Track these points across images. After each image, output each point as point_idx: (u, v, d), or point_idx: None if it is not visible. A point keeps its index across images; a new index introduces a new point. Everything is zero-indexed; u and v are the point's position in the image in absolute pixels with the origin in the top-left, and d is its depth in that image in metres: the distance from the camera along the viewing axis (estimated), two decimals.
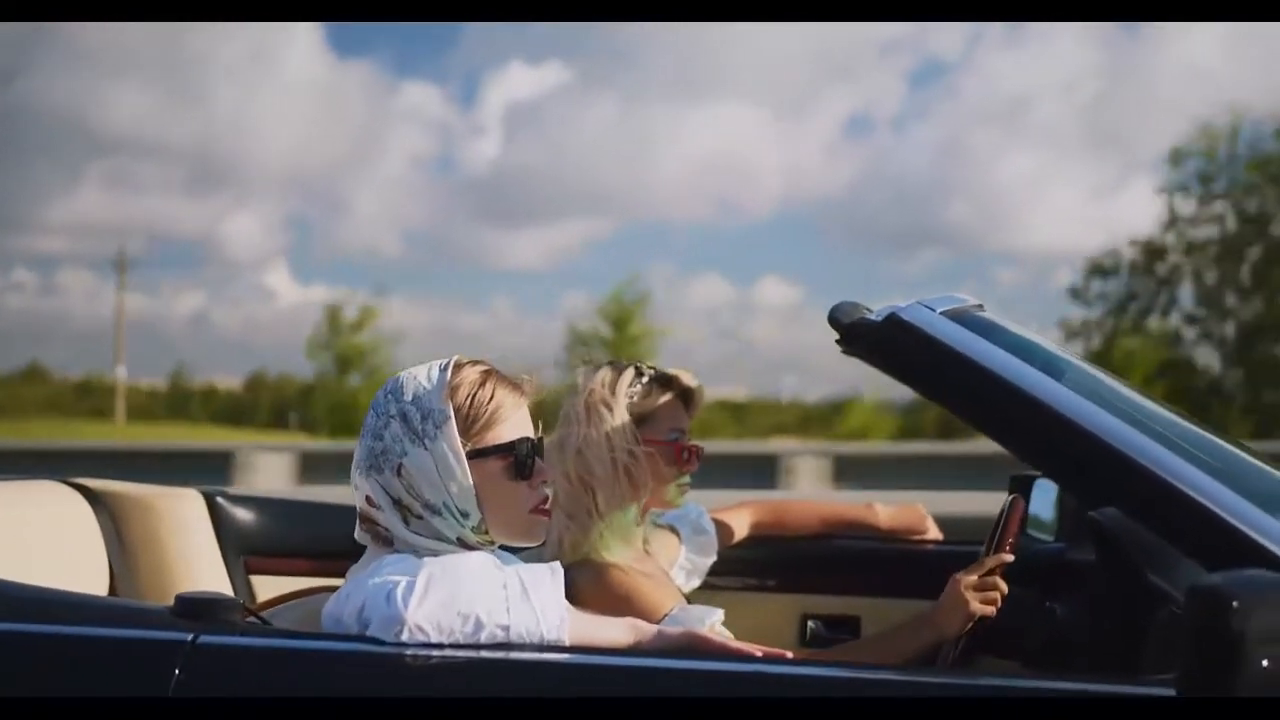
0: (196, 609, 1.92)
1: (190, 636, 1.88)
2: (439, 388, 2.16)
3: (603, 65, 40.32)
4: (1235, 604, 1.59)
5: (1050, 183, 40.80)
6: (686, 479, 2.76)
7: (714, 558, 3.01)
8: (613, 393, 2.67)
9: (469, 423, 2.15)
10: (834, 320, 2.07)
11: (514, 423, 2.18)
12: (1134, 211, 41.12)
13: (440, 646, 1.91)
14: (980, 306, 2.35)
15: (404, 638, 1.91)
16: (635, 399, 2.68)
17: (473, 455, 2.13)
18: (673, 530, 2.97)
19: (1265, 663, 1.60)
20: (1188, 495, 1.88)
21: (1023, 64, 39.50)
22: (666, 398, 2.71)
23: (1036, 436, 1.99)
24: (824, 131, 40.87)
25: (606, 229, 45.28)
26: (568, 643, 1.99)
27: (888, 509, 3.16)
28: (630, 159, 39.89)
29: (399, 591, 1.94)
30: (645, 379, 2.71)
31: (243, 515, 2.97)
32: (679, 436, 2.72)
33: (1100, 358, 27.65)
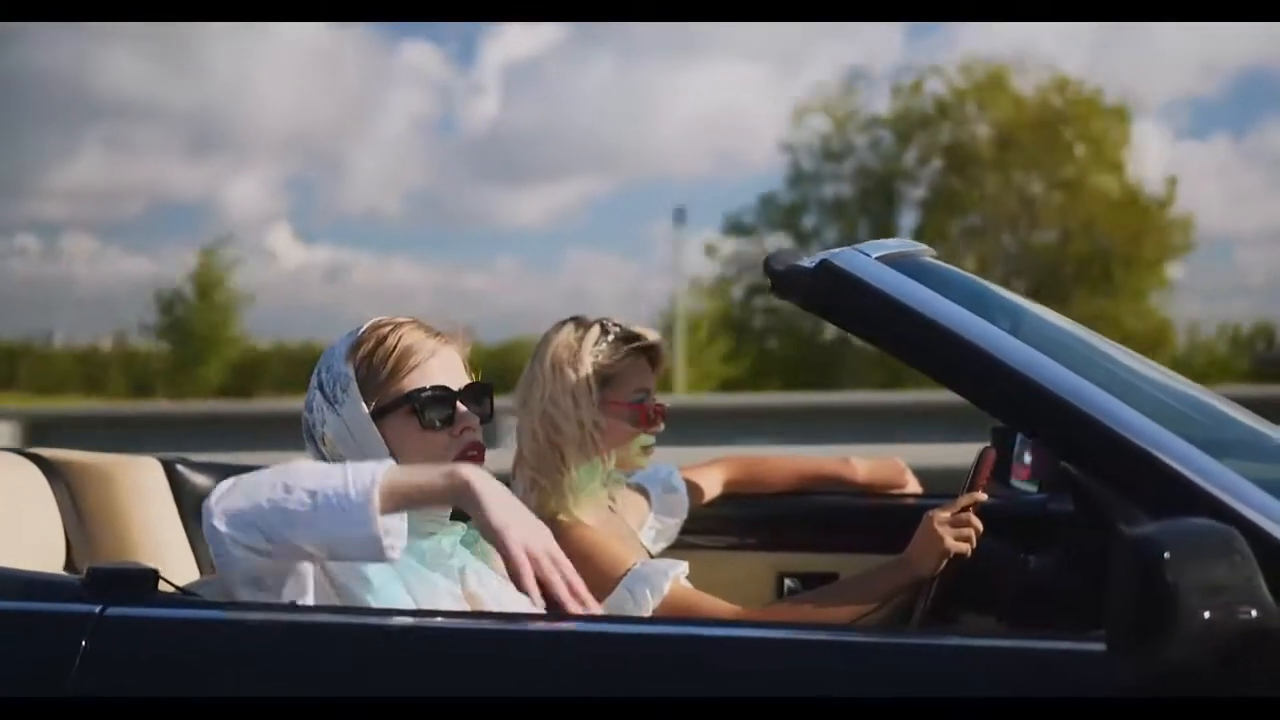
0: (107, 579, 1.87)
1: (99, 608, 1.83)
2: (344, 351, 2.10)
3: (597, 23, 40.13)
4: (1167, 555, 1.50)
5: None
6: (651, 440, 2.69)
7: (684, 517, 2.94)
8: (577, 351, 2.60)
9: (372, 379, 2.09)
10: (768, 268, 1.99)
11: (426, 371, 2.10)
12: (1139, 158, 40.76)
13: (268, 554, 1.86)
14: (930, 252, 2.28)
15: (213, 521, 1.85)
16: (600, 358, 2.61)
17: (378, 414, 2.07)
18: (641, 490, 2.91)
19: (1207, 614, 1.51)
20: (1131, 442, 1.79)
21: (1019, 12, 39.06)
22: (631, 356, 2.64)
23: (981, 384, 1.91)
24: (821, 85, 40.64)
25: (608, 186, 45.10)
26: (378, 495, 1.82)
27: (865, 462, 3.09)
28: (630, 116, 39.74)
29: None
30: (610, 337, 2.64)
31: (204, 482, 2.91)
32: (644, 397, 2.65)
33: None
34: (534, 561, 1.84)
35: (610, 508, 2.72)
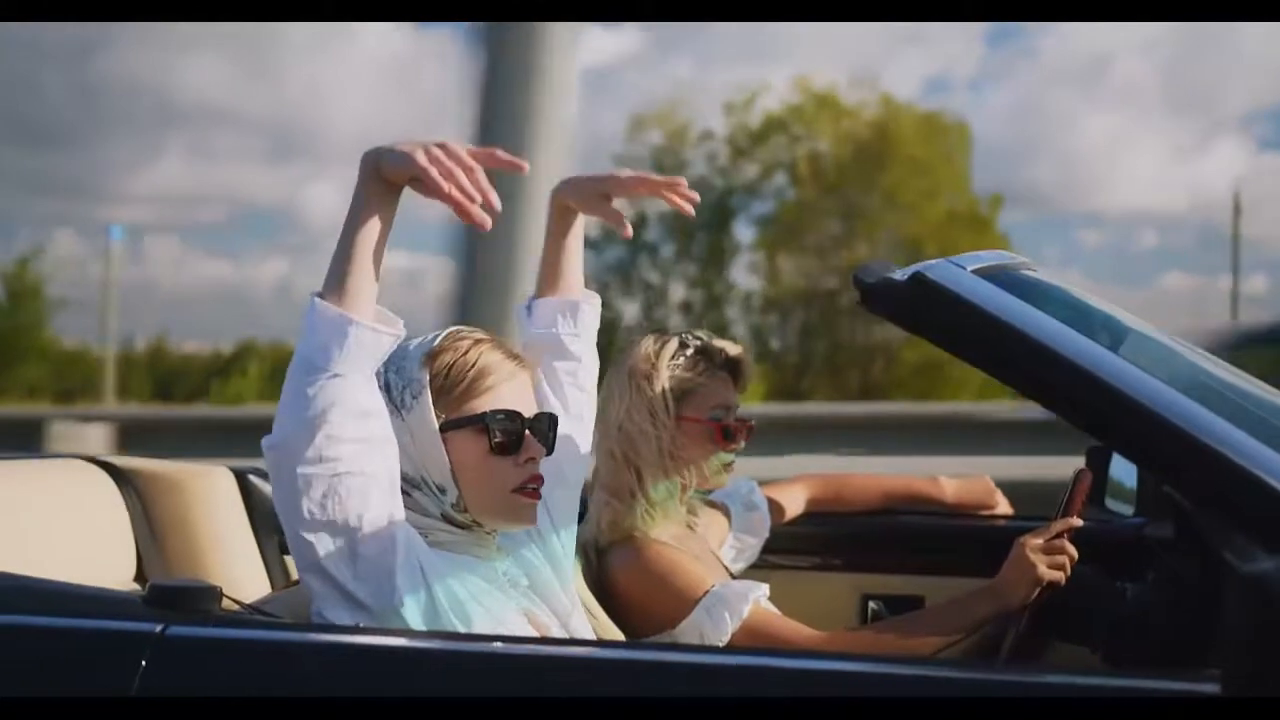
0: (168, 597, 1.81)
1: (159, 627, 1.77)
2: (420, 355, 2.04)
3: (677, 28, 40.02)
4: None
5: (1131, 142, 39.81)
6: (731, 457, 2.60)
7: (766, 536, 2.85)
8: (654, 365, 2.52)
9: (446, 392, 2.02)
10: (857, 280, 1.90)
11: (500, 394, 2.05)
12: (1217, 171, 39.91)
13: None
14: (1029, 264, 2.17)
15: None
16: (678, 372, 2.53)
17: (446, 427, 2.00)
18: (722, 508, 2.83)
19: None
20: (1244, 468, 1.68)
21: (1100, 22, 38.62)
22: (711, 371, 2.56)
23: (1081, 404, 1.81)
24: (901, 93, 40.34)
25: None
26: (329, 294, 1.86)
27: (953, 482, 2.99)
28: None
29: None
30: (689, 350, 2.55)
31: None
32: (722, 414, 2.56)
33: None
34: (435, 164, 1.84)
35: (690, 526, 2.64)
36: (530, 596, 2.12)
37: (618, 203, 2.29)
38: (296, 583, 2.24)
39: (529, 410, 2.08)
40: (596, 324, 2.39)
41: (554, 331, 2.30)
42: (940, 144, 26.22)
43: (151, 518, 2.69)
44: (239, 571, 2.74)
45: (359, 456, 1.86)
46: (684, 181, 2.22)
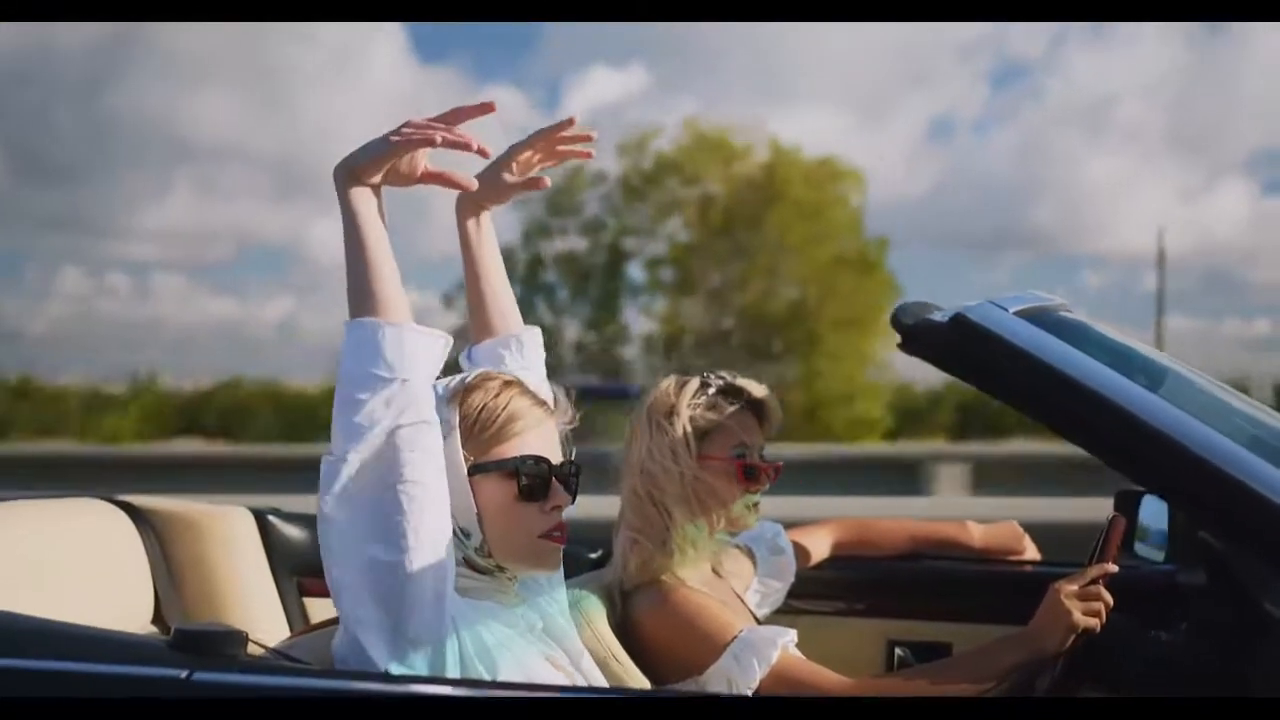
0: (194, 642, 1.77)
1: (185, 673, 1.74)
2: (450, 396, 2.01)
3: (682, 69, 40.20)
4: None
5: (1136, 184, 39.94)
6: (757, 498, 2.56)
7: (791, 580, 2.81)
8: (675, 404, 2.49)
9: (474, 434, 1.99)
10: (896, 321, 1.87)
11: (528, 440, 2.01)
12: (1222, 213, 40.01)
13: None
14: (1065, 306, 2.14)
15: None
16: (699, 411, 2.50)
17: (475, 470, 1.97)
18: (747, 551, 2.79)
19: None
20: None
21: (1106, 64, 38.77)
22: (733, 410, 2.52)
23: (1123, 448, 1.78)
24: (906, 135, 40.32)
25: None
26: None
27: (981, 527, 2.95)
28: None
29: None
30: (710, 390, 2.52)
31: (295, 534, 2.84)
32: (744, 453, 2.52)
33: None
34: (407, 136, 1.89)
35: (715, 570, 2.60)
36: (547, 641, 2.09)
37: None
38: (318, 626, 2.20)
39: (556, 457, 2.05)
40: (543, 354, 2.36)
41: (503, 369, 2.26)
42: (831, 189, 26.37)
43: (169, 558, 2.66)
44: (257, 613, 2.71)
45: (424, 468, 1.84)
46: (574, 120, 2.19)
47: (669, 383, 2.53)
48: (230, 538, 2.74)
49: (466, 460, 1.98)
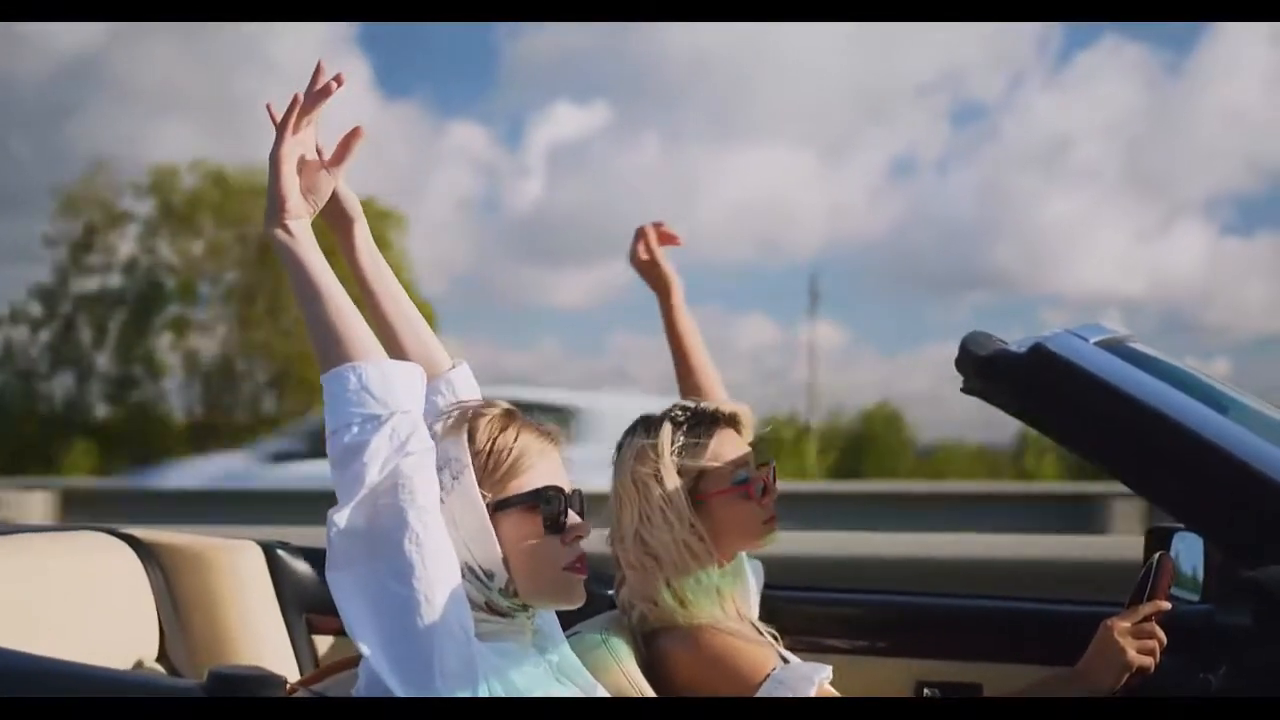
0: (232, 685, 1.67)
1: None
2: (451, 432, 1.92)
3: (644, 106, 40.38)
4: None
5: (1094, 224, 40.35)
6: (771, 511, 2.45)
7: (763, 577, 2.73)
8: (657, 460, 2.38)
9: (489, 471, 1.90)
10: (966, 353, 1.78)
11: (540, 471, 1.93)
12: (1180, 254, 40.44)
13: None
14: (1133, 337, 2.07)
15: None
16: (684, 458, 2.39)
17: (495, 508, 1.88)
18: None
19: None
20: None
21: (1063, 105, 39.22)
22: (716, 436, 2.42)
23: (1203, 481, 1.70)
24: (867, 174, 40.61)
25: None
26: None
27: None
28: (673, 199, 39.90)
29: None
30: (685, 427, 2.42)
31: (304, 569, 2.74)
32: (746, 474, 2.42)
33: None
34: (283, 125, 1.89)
35: (725, 609, 2.49)
36: (565, 680, 2.00)
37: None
38: (337, 666, 2.11)
39: (568, 486, 1.98)
40: (478, 391, 2.24)
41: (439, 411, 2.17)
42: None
43: (175, 593, 2.56)
44: (265, 650, 2.61)
45: (433, 495, 1.79)
46: (321, 66, 2.00)
47: (639, 438, 2.42)
48: (237, 572, 2.63)
49: (485, 498, 1.89)
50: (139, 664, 2.43)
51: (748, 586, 2.63)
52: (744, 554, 2.63)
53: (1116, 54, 39.27)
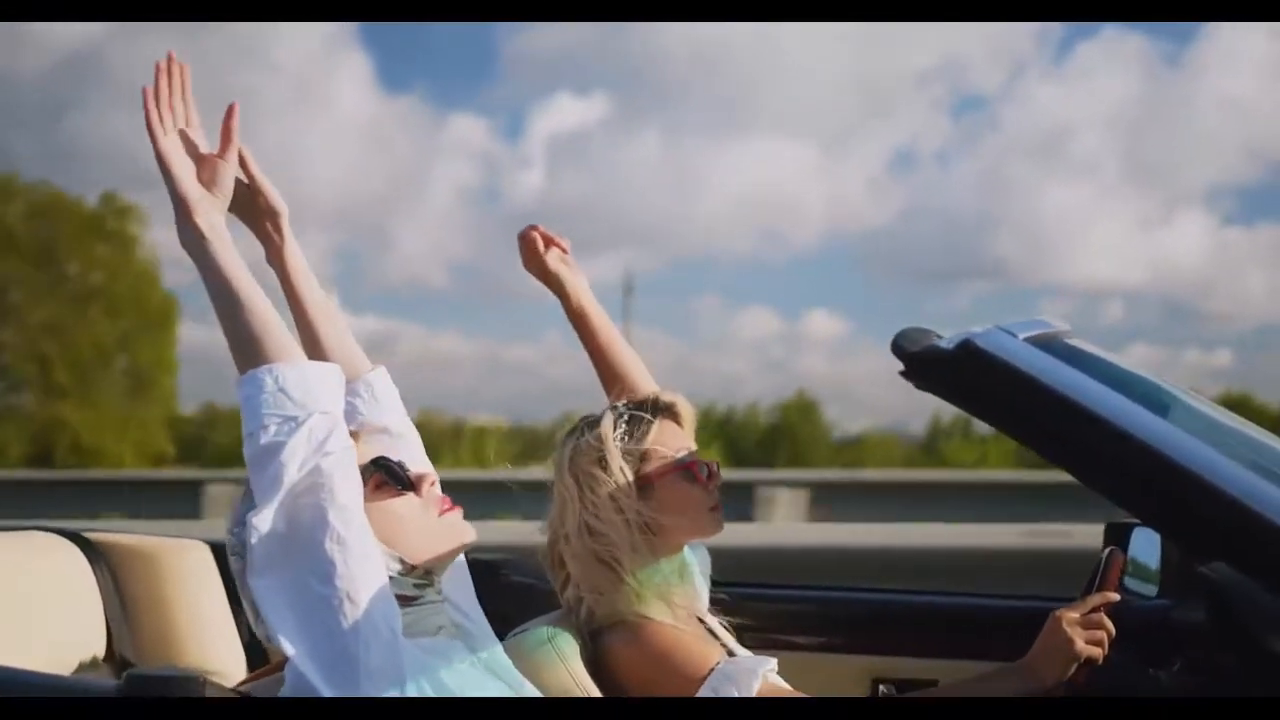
0: (147, 687, 1.66)
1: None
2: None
3: (645, 98, 40.48)
4: None
5: (1095, 215, 40.36)
6: (716, 498, 2.42)
7: (709, 568, 2.68)
8: (600, 448, 2.36)
9: None
10: (898, 349, 1.78)
11: (364, 452, 1.95)
12: (1181, 244, 40.48)
13: None
14: (1069, 332, 2.06)
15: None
16: (626, 440, 2.37)
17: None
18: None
19: None
20: None
21: (1063, 95, 39.27)
22: (657, 424, 2.40)
23: (1137, 480, 1.69)
24: (867, 165, 40.73)
25: (653, 261, 45.09)
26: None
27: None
28: (674, 192, 39.96)
29: None
30: (626, 416, 2.40)
31: None
32: (687, 455, 2.40)
33: None
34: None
35: (675, 604, 2.47)
36: (494, 676, 2.03)
37: None
38: (278, 667, 2.10)
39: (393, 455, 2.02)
40: (395, 392, 2.28)
41: (359, 418, 2.18)
42: (113, 224, 27.33)
43: (124, 593, 2.54)
44: (216, 651, 2.60)
45: (355, 493, 1.80)
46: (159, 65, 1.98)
47: (578, 435, 2.40)
48: (188, 572, 2.62)
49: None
50: (87, 665, 2.42)
51: (694, 580, 2.61)
52: (687, 547, 2.62)
53: (1117, 45, 39.43)
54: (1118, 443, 1.65)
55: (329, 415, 1.78)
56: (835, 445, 31.73)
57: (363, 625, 1.73)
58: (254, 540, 1.74)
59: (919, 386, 1.76)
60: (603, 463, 2.35)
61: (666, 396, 2.45)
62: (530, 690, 2.06)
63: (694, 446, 2.44)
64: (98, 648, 2.47)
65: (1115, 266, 41.29)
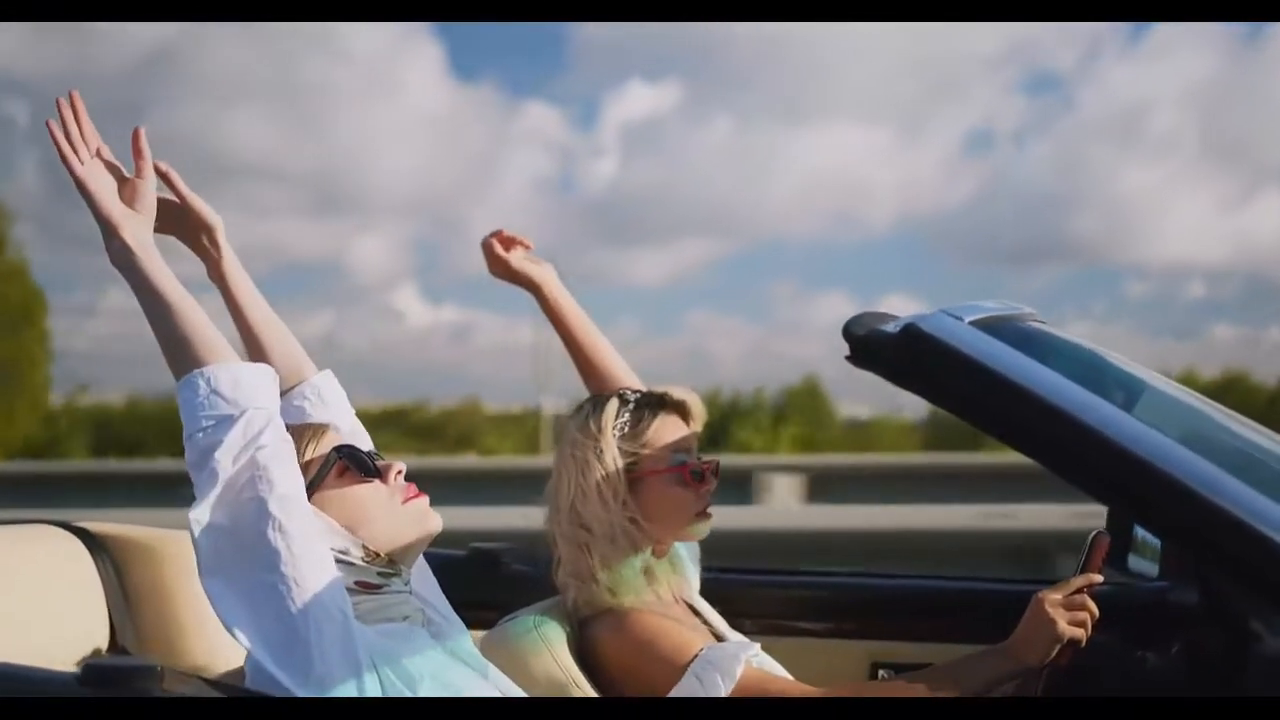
0: (104, 677, 1.69)
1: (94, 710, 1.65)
2: None
3: (716, 83, 40.36)
4: None
5: (1174, 193, 39.67)
6: (705, 503, 2.44)
7: (698, 554, 2.71)
8: (598, 434, 2.38)
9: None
10: (848, 332, 1.78)
11: (326, 441, 2.03)
12: (1263, 220, 39.62)
13: None
14: (1035, 316, 2.04)
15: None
16: (625, 430, 2.39)
17: (310, 489, 1.96)
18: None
19: None
20: (1267, 536, 1.54)
21: (1139, 73, 38.60)
22: (660, 418, 2.42)
23: (1077, 457, 1.68)
24: (941, 147, 40.30)
25: (726, 247, 44.87)
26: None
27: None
28: (748, 176, 39.79)
29: None
30: (631, 406, 2.42)
31: None
32: (685, 458, 2.41)
33: None
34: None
35: (657, 593, 2.47)
36: (459, 662, 2.05)
37: None
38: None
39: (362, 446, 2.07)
40: (344, 394, 2.32)
41: (308, 420, 2.21)
42: None
43: (125, 585, 2.57)
44: (218, 641, 2.61)
45: (295, 482, 1.85)
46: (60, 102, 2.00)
47: (584, 413, 2.43)
48: (189, 561, 2.64)
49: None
50: (89, 658, 2.45)
51: (683, 568, 2.61)
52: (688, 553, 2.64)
53: (1193, 23, 38.63)
54: (1053, 421, 1.64)
55: (263, 411, 1.83)
56: (909, 426, 31.45)
57: (312, 609, 1.77)
58: (198, 536, 1.78)
59: (862, 368, 1.76)
60: (598, 450, 2.37)
61: (678, 393, 2.46)
62: (499, 678, 2.08)
63: (694, 440, 2.45)
64: (100, 639, 2.51)
65: (1196, 245, 40.59)
